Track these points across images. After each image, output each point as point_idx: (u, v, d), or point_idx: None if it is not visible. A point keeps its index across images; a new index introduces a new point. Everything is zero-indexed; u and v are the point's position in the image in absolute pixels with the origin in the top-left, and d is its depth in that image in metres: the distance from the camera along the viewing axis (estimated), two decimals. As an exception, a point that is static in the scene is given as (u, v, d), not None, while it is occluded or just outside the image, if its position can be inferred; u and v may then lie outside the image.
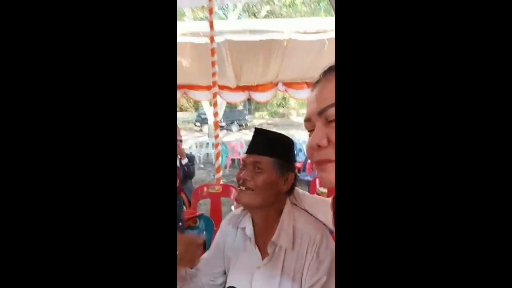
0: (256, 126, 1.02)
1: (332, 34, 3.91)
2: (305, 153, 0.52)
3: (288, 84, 6.16)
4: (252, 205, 0.81)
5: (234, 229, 0.90)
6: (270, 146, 0.83)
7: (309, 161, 3.24)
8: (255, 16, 12.35)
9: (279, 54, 4.34)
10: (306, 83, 6.22)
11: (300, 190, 0.90)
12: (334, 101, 0.42)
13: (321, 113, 0.44)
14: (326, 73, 0.48)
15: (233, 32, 3.81)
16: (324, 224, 0.81)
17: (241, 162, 0.86)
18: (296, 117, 15.49)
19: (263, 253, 0.82)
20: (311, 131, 0.48)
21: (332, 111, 0.43)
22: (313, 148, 0.44)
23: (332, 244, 0.77)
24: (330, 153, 0.43)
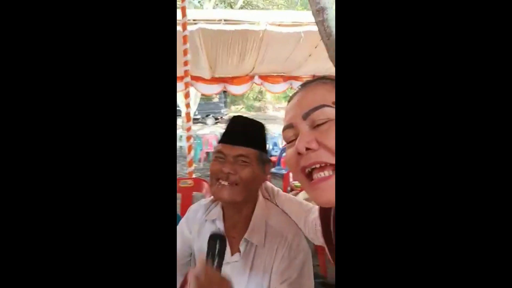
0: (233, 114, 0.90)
1: (308, 28, 3.91)
2: (287, 163, 0.49)
3: (264, 78, 6.14)
4: (234, 201, 0.73)
5: (202, 219, 0.84)
6: (253, 136, 0.76)
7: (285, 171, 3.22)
8: (231, 7, 12.14)
9: (255, 46, 4.27)
10: (282, 76, 6.24)
11: (271, 184, 0.86)
12: (320, 103, 0.43)
13: (306, 116, 0.43)
14: (304, 85, 0.48)
15: (208, 21, 3.68)
16: (294, 222, 0.77)
17: (217, 153, 0.76)
18: (273, 111, 15.57)
19: (233, 249, 0.77)
20: (291, 141, 0.46)
21: (319, 113, 0.42)
22: (301, 152, 0.42)
23: (305, 244, 0.74)
24: (322, 155, 0.41)
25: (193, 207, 0.88)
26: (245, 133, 0.75)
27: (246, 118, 0.79)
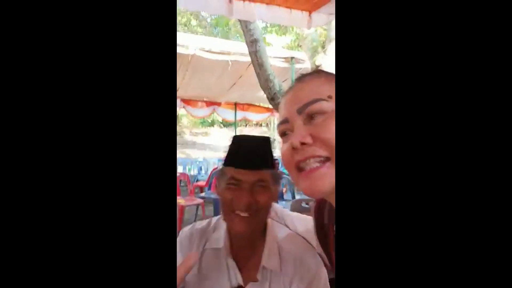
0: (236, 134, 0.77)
1: (235, 57, 4.08)
2: (282, 159, 0.47)
3: (187, 101, 6.03)
4: (253, 232, 0.66)
5: (200, 248, 0.72)
6: (265, 155, 0.69)
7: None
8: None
9: (181, 69, 4.20)
10: (206, 102, 6.25)
11: (277, 204, 0.81)
12: (315, 97, 0.42)
13: (301, 110, 0.43)
14: (299, 79, 0.48)
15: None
16: (308, 242, 0.73)
17: (230, 180, 0.65)
18: (190, 135, 15.25)
19: (247, 278, 0.69)
20: (284, 135, 0.46)
21: (314, 107, 0.42)
22: (296, 147, 0.42)
23: (319, 261, 0.70)
24: (317, 149, 0.41)
25: (185, 233, 0.75)
26: (258, 154, 0.67)
27: (252, 136, 0.72)
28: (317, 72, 0.47)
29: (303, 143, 0.41)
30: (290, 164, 0.44)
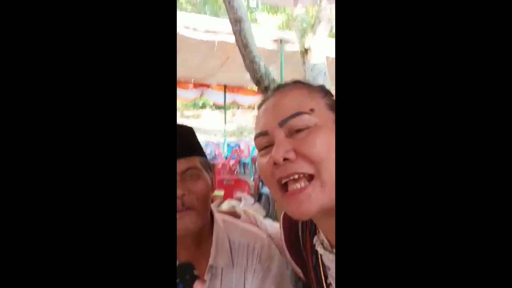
0: None
1: (222, 37, 3.91)
2: (261, 173, 0.45)
3: (174, 83, 5.85)
4: (195, 230, 0.59)
5: None
6: (189, 141, 0.63)
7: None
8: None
9: (165, 49, 4.03)
10: (194, 83, 6.07)
11: (252, 212, 0.77)
12: (297, 110, 0.41)
13: (283, 123, 0.41)
14: (278, 89, 0.45)
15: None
16: (262, 231, 0.69)
17: None
18: (181, 118, 15.09)
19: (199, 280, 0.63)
20: (263, 148, 0.43)
21: (296, 121, 0.40)
22: (278, 163, 0.39)
23: (276, 250, 0.66)
24: (300, 165, 0.39)
25: None
26: (181, 141, 0.60)
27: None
28: (297, 83, 0.46)
29: (285, 159, 0.39)
30: (271, 180, 0.41)
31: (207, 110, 15.27)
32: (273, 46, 4.11)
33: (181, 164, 0.59)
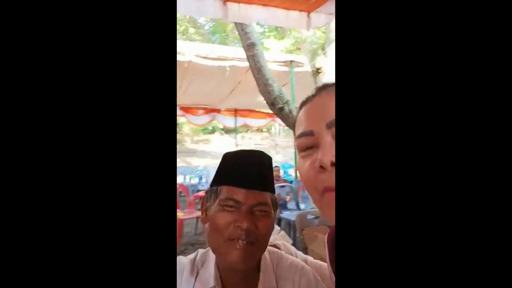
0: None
1: (233, 62, 4.01)
2: (302, 177, 0.40)
3: (186, 109, 5.97)
4: (250, 266, 0.55)
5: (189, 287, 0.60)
6: (266, 175, 0.58)
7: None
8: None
9: (178, 77, 4.14)
10: (205, 109, 6.18)
11: (290, 245, 0.71)
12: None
13: (331, 125, 0.37)
14: (323, 88, 0.41)
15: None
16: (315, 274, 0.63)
17: (227, 201, 0.55)
18: (191, 143, 15.22)
19: None
20: (306, 149, 0.39)
21: None
22: (326, 167, 0.35)
23: (321, 283, 0.61)
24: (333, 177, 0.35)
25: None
26: (259, 172, 0.57)
27: (249, 151, 0.61)
28: None
29: (333, 164, 0.35)
30: (314, 185, 0.38)
31: (216, 134, 15.42)
32: (283, 69, 4.18)
33: (256, 197, 0.55)
